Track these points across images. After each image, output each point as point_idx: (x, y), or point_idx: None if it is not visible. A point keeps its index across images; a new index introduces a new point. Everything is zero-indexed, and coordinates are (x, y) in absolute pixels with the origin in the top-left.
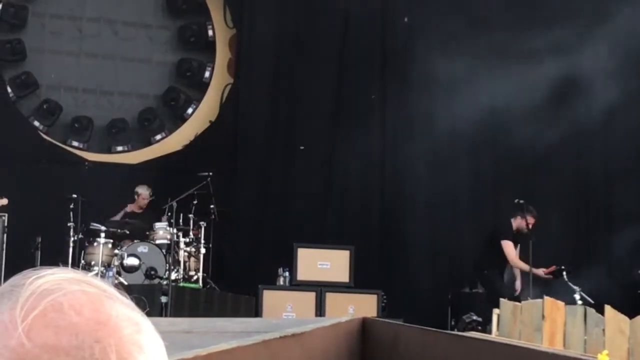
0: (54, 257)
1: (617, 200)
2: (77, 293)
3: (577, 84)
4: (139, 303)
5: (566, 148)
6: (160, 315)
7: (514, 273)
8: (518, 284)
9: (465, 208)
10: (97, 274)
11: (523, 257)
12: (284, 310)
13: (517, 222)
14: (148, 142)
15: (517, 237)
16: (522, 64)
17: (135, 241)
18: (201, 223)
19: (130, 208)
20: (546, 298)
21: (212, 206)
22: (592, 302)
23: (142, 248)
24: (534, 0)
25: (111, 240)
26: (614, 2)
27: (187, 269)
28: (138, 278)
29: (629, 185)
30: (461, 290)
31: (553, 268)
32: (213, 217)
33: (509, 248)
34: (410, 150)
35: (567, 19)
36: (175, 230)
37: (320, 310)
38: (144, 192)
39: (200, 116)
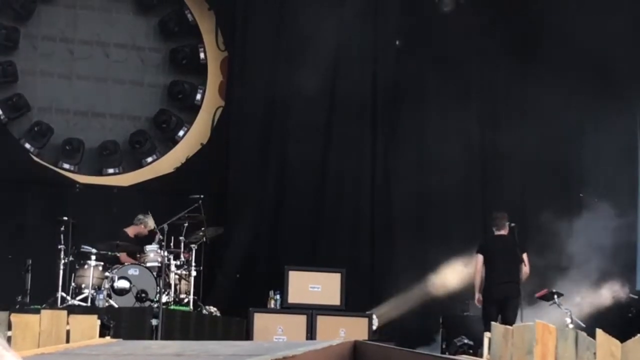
0: (45, 280)
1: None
2: None
3: None
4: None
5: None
6: (151, 338)
7: None
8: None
9: (455, 232)
10: (87, 297)
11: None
12: (275, 333)
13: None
14: (139, 165)
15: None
16: None
17: (126, 264)
18: (192, 246)
19: (131, 232)
20: (537, 321)
21: (203, 229)
22: (584, 325)
23: (133, 271)
24: None
25: (102, 263)
26: None
27: (178, 291)
28: (129, 301)
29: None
30: (452, 313)
31: (545, 291)
32: (204, 239)
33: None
34: (401, 174)
35: None
36: (166, 253)
37: (311, 333)
38: (150, 223)
39: (192, 139)
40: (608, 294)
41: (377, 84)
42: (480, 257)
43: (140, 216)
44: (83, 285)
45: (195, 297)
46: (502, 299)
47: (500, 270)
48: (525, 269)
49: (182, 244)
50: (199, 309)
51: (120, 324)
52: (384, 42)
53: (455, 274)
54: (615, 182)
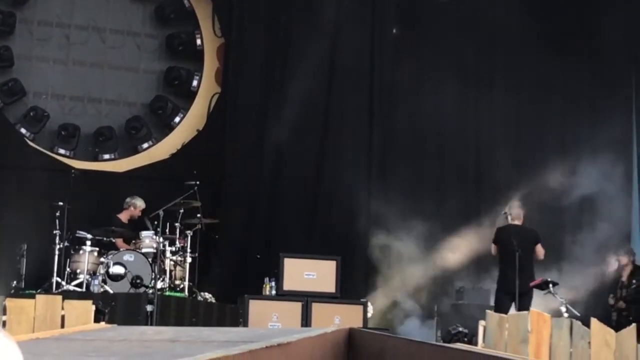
0: (40, 265)
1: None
2: None
3: None
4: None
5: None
6: (146, 324)
7: None
8: None
9: (451, 220)
10: (82, 282)
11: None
12: (270, 320)
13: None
14: (135, 151)
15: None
16: None
17: (121, 249)
18: (187, 232)
19: (124, 217)
20: (532, 310)
21: (198, 215)
22: (578, 314)
23: (128, 256)
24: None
25: (97, 248)
26: None
27: (173, 277)
28: (124, 287)
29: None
30: (447, 301)
31: (539, 280)
32: (199, 226)
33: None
34: (397, 161)
35: None
36: (161, 239)
37: (306, 321)
38: (141, 204)
39: (188, 125)
40: (604, 282)
41: (375, 73)
42: (494, 247)
43: (128, 199)
44: (78, 271)
45: (191, 284)
46: (515, 293)
47: (514, 262)
48: (540, 255)
49: (178, 230)
50: (194, 295)
51: (115, 309)
52: (381, 31)
53: (451, 260)
54: (612, 170)
